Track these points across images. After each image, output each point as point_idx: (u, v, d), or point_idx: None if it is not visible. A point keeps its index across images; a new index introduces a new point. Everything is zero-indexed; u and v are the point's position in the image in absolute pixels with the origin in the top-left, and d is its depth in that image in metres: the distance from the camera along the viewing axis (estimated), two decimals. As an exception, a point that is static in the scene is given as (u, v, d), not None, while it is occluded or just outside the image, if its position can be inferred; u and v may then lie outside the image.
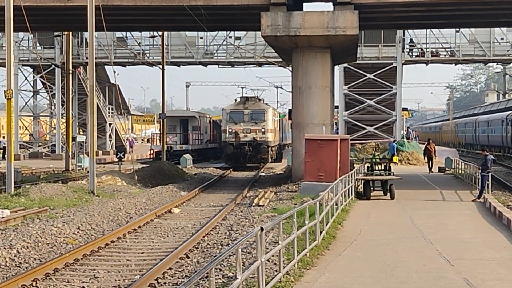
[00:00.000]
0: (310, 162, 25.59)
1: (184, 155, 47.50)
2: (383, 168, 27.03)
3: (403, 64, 52.68)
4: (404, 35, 52.70)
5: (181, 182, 34.33)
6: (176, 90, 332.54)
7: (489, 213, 20.93)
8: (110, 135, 65.26)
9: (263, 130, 48.04)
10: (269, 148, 48.70)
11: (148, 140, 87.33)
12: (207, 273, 7.99)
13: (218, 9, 30.15)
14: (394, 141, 41.30)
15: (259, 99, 52.25)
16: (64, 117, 45.64)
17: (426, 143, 41.46)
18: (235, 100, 52.19)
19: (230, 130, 48.06)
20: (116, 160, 43.12)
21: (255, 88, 61.14)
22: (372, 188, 25.61)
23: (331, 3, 29.50)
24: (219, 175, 39.60)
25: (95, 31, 27.06)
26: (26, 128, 64.11)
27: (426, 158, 40.47)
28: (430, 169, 38.75)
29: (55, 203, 22.66)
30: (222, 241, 16.78)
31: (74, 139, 42.30)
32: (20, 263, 14.39)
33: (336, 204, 19.16)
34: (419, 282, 11.78)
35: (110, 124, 65.07)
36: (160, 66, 49.48)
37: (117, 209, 22.23)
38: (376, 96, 51.98)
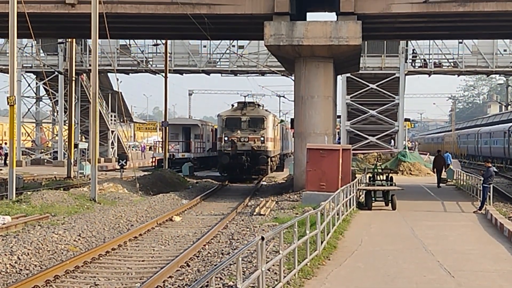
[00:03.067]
0: (311, 172, 25.60)
1: (186, 163, 47.46)
2: (384, 178, 27.05)
3: (405, 74, 52.78)
4: (407, 45, 52.81)
5: (182, 190, 34.32)
6: (179, 98, 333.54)
7: (490, 225, 20.91)
8: (112, 142, 65.37)
9: (262, 138, 43.55)
10: (269, 159, 44.37)
11: (150, 148, 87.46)
12: (207, 281, 8.00)
13: (221, 18, 30.20)
14: (446, 152, 40.52)
15: (258, 105, 47.84)
16: (67, 124, 45.72)
17: (436, 154, 38.91)
18: (232, 105, 46.96)
19: (226, 139, 43.57)
20: (118, 167, 43.13)
21: (255, 94, 57.73)
22: (373, 199, 25.58)
23: (334, 13, 29.57)
24: (220, 184, 39.56)
25: (99, 38, 27.12)
26: (29, 135, 64.22)
27: (435, 171, 37.31)
28: (439, 183, 36.03)
29: (57, 210, 22.65)
30: (223, 250, 16.76)
31: (76, 146, 42.34)
32: (21, 269, 14.39)
33: (338, 214, 19.16)
34: (419, 293, 11.78)
35: (112, 132, 65.22)
36: (163, 74, 49.56)
37: (118, 217, 22.23)
38: (379, 106, 52.05)
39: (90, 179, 29.48)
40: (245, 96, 51.69)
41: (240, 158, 42.86)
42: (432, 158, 50.00)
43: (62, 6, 29.74)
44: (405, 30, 34.68)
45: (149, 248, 17.86)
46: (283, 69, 42.80)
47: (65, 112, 54.95)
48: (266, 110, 48.21)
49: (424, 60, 54.92)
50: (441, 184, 36.58)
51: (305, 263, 13.28)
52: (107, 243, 17.32)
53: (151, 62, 57.37)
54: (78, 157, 41.68)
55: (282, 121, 52.54)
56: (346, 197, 21.97)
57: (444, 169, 37.32)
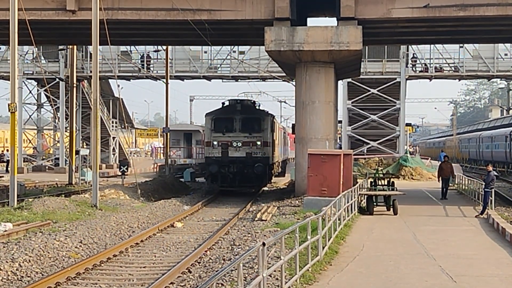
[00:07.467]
0: (313, 177, 25.59)
1: (187, 169, 47.43)
2: (386, 183, 27.02)
3: (406, 79, 52.76)
4: (407, 50, 52.82)
5: (184, 196, 34.28)
6: (180, 104, 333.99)
7: (492, 229, 20.87)
8: (113, 148, 65.37)
9: (259, 143, 36.16)
10: (267, 167, 36.83)
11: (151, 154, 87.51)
12: (208, 287, 7.99)
13: (222, 23, 30.23)
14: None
15: (254, 103, 40.20)
16: (68, 131, 45.72)
17: (443, 160, 34.39)
18: (223, 103, 38.90)
19: (215, 143, 36.07)
20: (119, 173, 43.12)
21: (250, 92, 53.23)
22: (375, 203, 25.56)
23: (335, 18, 29.58)
24: (221, 190, 39.29)
25: (99, 45, 27.14)
26: (30, 141, 64.22)
27: (440, 179, 32.75)
28: (444, 194, 31.91)
29: (58, 216, 22.64)
30: (224, 256, 16.75)
31: (77, 152, 42.32)
32: (22, 276, 14.37)
33: (339, 219, 19.13)
34: (421, 298, 11.74)
35: (113, 138, 65.19)
36: (164, 80, 49.62)
37: (119, 223, 22.22)
38: (380, 111, 52.04)
39: (91, 186, 29.48)
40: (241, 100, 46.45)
41: (232, 166, 36.06)
42: (433, 162, 50.08)
43: (62, 13, 29.77)
44: (405, 35, 34.69)
45: (151, 254, 17.85)
46: (284, 74, 42.79)
47: (66, 118, 54.89)
48: (263, 110, 40.29)
49: (425, 64, 54.92)
50: (439, 187, 33.50)
51: (307, 269, 13.25)
52: (108, 250, 17.31)
53: (152, 68, 57.41)
54: (79, 164, 41.68)
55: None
56: (348, 202, 21.94)
57: (452, 178, 33.87)
